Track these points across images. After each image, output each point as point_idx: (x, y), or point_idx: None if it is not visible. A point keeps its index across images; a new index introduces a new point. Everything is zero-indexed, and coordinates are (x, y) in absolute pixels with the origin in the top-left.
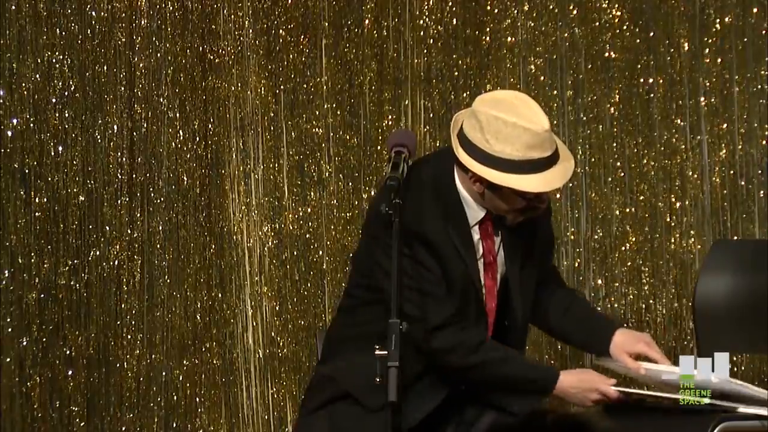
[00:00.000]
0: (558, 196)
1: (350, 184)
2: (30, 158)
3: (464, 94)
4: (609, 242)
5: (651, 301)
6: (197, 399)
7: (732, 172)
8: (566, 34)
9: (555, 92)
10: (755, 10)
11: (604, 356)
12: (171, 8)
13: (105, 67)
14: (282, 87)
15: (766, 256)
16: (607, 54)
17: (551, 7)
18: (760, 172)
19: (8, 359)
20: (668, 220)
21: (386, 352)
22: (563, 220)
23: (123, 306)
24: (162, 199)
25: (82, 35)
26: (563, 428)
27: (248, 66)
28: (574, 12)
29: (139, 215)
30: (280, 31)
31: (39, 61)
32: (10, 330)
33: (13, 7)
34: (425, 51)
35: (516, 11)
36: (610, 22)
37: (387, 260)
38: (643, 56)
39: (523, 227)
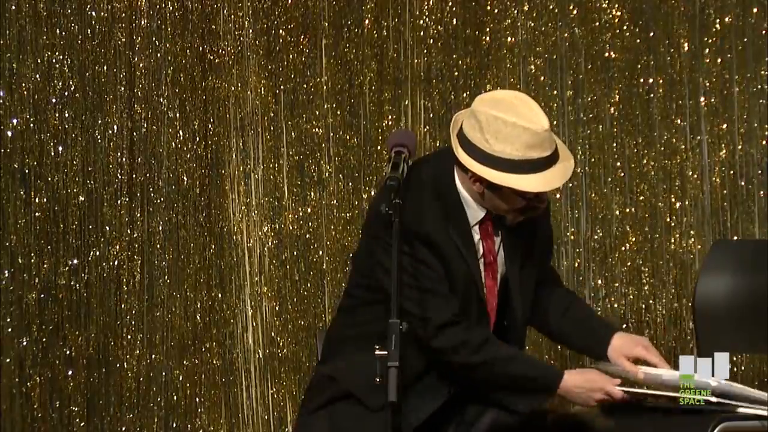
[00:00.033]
0: (558, 196)
1: (350, 184)
2: (30, 158)
3: (464, 94)
4: (609, 242)
5: (651, 301)
6: (197, 399)
7: (732, 172)
8: (566, 34)
9: (555, 92)
10: (755, 10)
11: (602, 360)
12: (171, 8)
13: (105, 67)
14: (282, 87)
15: (766, 256)
16: (607, 54)
17: (551, 7)
18: (760, 172)
19: (8, 359)
20: (668, 220)
21: (386, 352)
22: (563, 220)
23: (123, 306)
24: (162, 199)
25: (82, 35)
26: (563, 428)
27: (248, 66)
28: (574, 12)
29: (139, 215)
30: (280, 31)
31: (39, 61)
32: (10, 330)
33: (13, 7)
34: (425, 51)
35: (516, 11)
36: (610, 22)
37: (388, 259)
38: (643, 56)
39: (523, 227)
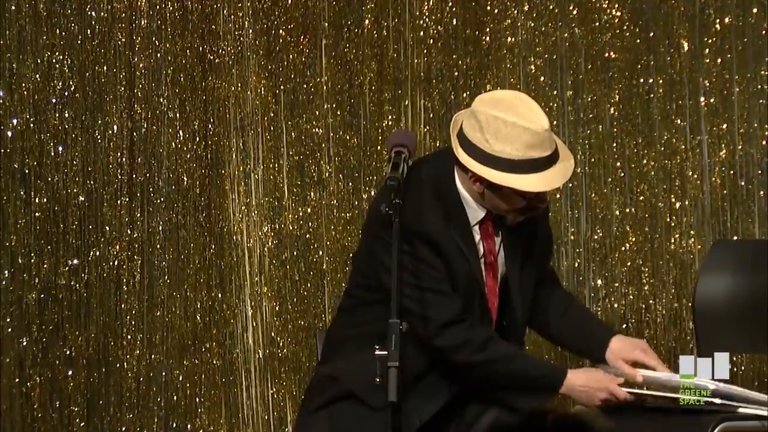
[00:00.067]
0: (558, 196)
1: (350, 184)
2: (30, 158)
3: (464, 94)
4: (609, 242)
5: (651, 301)
6: (197, 399)
7: (732, 172)
8: (566, 34)
9: (555, 92)
10: (755, 10)
11: (600, 362)
12: (171, 8)
13: (105, 67)
14: (282, 87)
15: (766, 256)
16: (607, 54)
17: (551, 7)
18: (760, 172)
19: (8, 359)
20: (668, 220)
21: (386, 352)
22: (563, 220)
23: (123, 306)
24: (162, 199)
25: (82, 35)
26: (563, 428)
27: (248, 66)
28: (574, 12)
29: (139, 215)
30: (280, 31)
31: (39, 61)
32: (10, 330)
33: (13, 7)
34: (425, 51)
35: (516, 11)
36: (610, 22)
37: (389, 259)
38: (643, 56)
39: (523, 227)
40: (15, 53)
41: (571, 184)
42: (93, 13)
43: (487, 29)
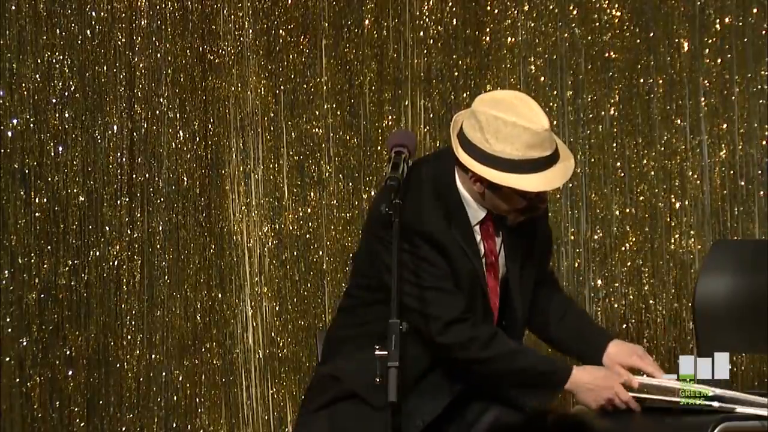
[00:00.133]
0: (558, 196)
1: (350, 184)
2: (30, 158)
3: (464, 94)
4: (609, 242)
5: (651, 301)
6: (197, 399)
7: (732, 172)
8: (566, 34)
9: (555, 92)
10: (755, 10)
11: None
12: (171, 8)
13: (105, 67)
14: (282, 87)
15: (766, 256)
16: (607, 54)
17: (551, 7)
18: (760, 172)
19: (8, 359)
20: (668, 220)
21: (386, 353)
22: (563, 220)
23: (123, 306)
24: (162, 199)
25: (82, 35)
26: (563, 428)
27: (248, 66)
28: (574, 12)
29: (139, 215)
30: (280, 31)
31: (39, 61)
32: (10, 330)
33: (13, 7)
34: (425, 51)
35: (516, 11)
36: (610, 22)
37: (391, 258)
38: (643, 56)
39: (523, 227)
40: (15, 53)
41: (571, 184)
42: (93, 13)
43: (487, 29)
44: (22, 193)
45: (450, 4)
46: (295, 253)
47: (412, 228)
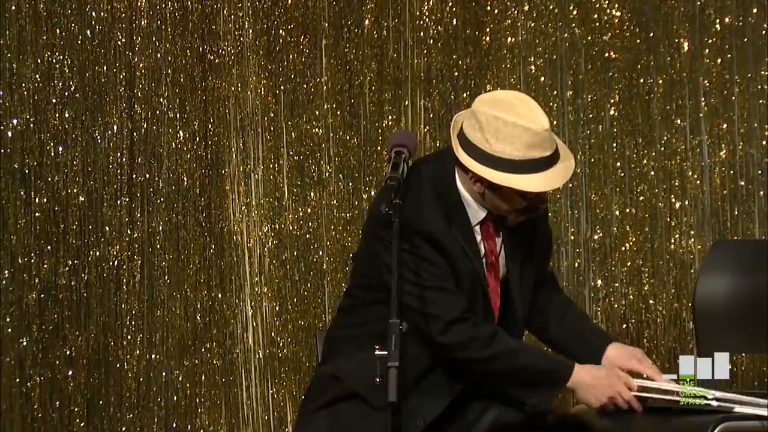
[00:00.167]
0: (558, 196)
1: (350, 184)
2: (30, 158)
3: (464, 94)
4: (609, 242)
5: (651, 301)
6: (197, 399)
7: (732, 172)
8: (566, 34)
9: (555, 92)
10: (755, 10)
11: None
12: (171, 8)
13: (105, 67)
14: (282, 87)
15: (766, 256)
16: (607, 54)
17: (551, 7)
18: (760, 172)
19: (8, 359)
20: (668, 220)
21: (386, 353)
22: (563, 220)
23: (123, 306)
24: (162, 199)
25: (82, 35)
26: (563, 428)
27: (248, 66)
28: (574, 12)
29: (139, 215)
30: (280, 31)
31: (39, 61)
32: (10, 330)
33: (13, 7)
34: (425, 51)
35: (516, 11)
36: (610, 22)
37: (391, 258)
38: (643, 56)
39: (523, 227)
40: (15, 53)
41: (571, 184)
42: (93, 13)
43: (487, 29)
44: (22, 193)
45: (450, 4)
46: (295, 253)
47: (412, 228)
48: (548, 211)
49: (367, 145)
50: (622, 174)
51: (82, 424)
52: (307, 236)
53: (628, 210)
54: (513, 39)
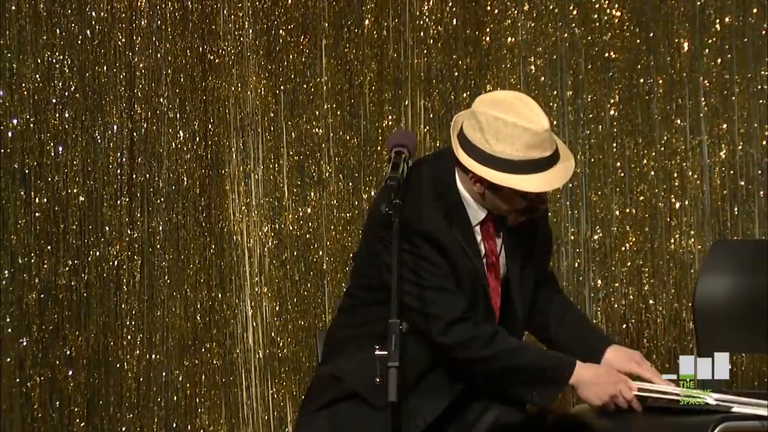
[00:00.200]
0: (558, 196)
1: (350, 184)
2: (30, 158)
3: (464, 95)
4: (609, 242)
5: (651, 301)
6: (197, 399)
7: (732, 172)
8: (566, 34)
9: (555, 92)
10: (755, 10)
11: None
12: (171, 8)
13: (105, 67)
14: (282, 87)
15: (766, 256)
16: (607, 54)
17: (551, 7)
18: (760, 172)
19: (8, 359)
20: (668, 220)
21: (386, 353)
22: (563, 220)
23: (123, 306)
24: (162, 199)
25: (82, 35)
26: (563, 428)
27: (248, 66)
28: (574, 12)
29: (139, 215)
30: (280, 31)
31: (39, 61)
32: (10, 330)
33: (13, 7)
34: (425, 51)
35: (516, 11)
36: (610, 22)
37: (391, 258)
38: (643, 56)
39: (523, 227)
40: (15, 53)
41: (571, 184)
42: (93, 13)
43: (487, 29)
44: (22, 193)
45: (450, 4)
46: (295, 253)
47: (412, 228)
48: (548, 211)
49: (367, 145)
50: (622, 174)
51: (82, 424)
52: (307, 236)
53: (628, 210)
54: (513, 39)
